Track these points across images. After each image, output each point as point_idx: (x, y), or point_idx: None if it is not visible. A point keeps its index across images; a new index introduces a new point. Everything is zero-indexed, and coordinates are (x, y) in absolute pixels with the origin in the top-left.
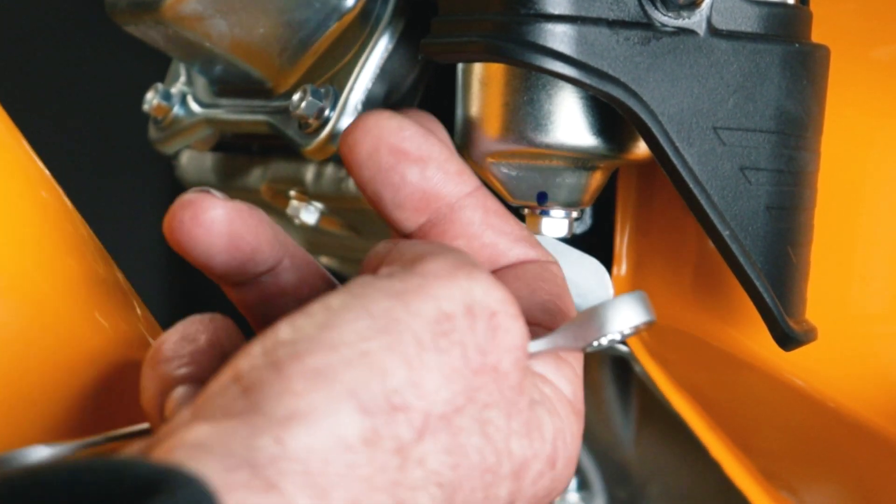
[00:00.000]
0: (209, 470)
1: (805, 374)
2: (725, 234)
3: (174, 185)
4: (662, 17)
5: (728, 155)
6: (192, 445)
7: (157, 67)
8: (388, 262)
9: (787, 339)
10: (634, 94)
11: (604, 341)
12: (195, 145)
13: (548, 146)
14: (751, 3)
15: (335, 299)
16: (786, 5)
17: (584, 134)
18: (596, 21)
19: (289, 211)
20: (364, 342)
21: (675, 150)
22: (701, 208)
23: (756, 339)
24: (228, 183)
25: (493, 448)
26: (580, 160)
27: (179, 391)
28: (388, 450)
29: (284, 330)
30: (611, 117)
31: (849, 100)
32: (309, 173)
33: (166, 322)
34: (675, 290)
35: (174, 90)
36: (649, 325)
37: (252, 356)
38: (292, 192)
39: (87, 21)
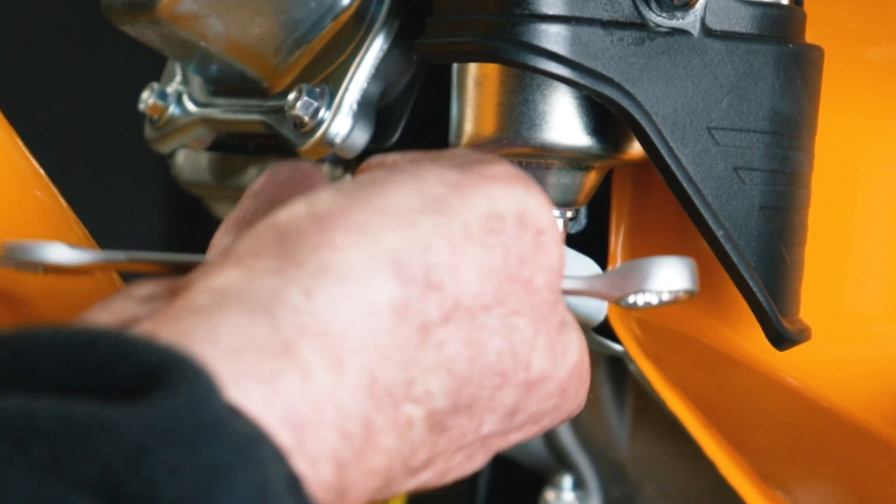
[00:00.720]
0: (232, 324)
1: (799, 374)
2: (719, 233)
3: (170, 185)
4: (656, 18)
5: (722, 155)
6: (218, 290)
7: (153, 67)
8: (439, 160)
9: (781, 338)
10: (628, 95)
11: (640, 299)
12: (191, 144)
13: (542, 146)
14: (745, 4)
15: (388, 173)
16: (780, 6)
17: (579, 134)
18: (590, 21)
19: None
20: (413, 215)
21: (670, 150)
22: (695, 208)
23: (750, 339)
24: (224, 182)
25: (513, 354)
26: (575, 160)
27: (225, 240)
28: (413, 325)
29: (330, 190)
30: (605, 117)
31: (843, 100)
32: None
33: None
34: None
35: (170, 89)
36: (690, 296)
37: (294, 208)
38: None
39: (83, 20)
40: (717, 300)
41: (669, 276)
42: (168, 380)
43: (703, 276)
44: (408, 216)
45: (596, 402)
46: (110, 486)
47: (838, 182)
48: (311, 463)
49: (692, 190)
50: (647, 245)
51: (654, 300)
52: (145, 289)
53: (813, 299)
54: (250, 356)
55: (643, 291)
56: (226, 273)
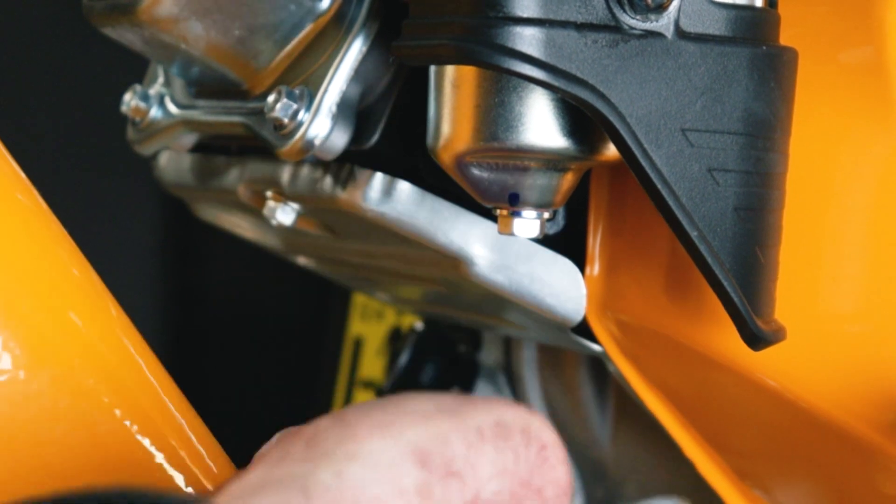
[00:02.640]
0: (267, 501)
1: (776, 374)
2: (694, 234)
3: (154, 187)
4: (630, 20)
5: (696, 156)
6: (251, 484)
7: (135, 69)
8: None
9: (756, 338)
10: (602, 97)
11: None
12: (174, 146)
13: (519, 148)
14: (718, 6)
15: (404, 395)
16: (754, 8)
17: (555, 135)
18: (564, 24)
19: (265, 211)
20: (430, 414)
21: (644, 151)
22: (669, 210)
23: (727, 339)
24: (206, 183)
25: None
26: (551, 161)
27: None
28: None
29: (352, 406)
30: (581, 119)
31: (817, 102)
32: (285, 174)
33: (149, 321)
34: (648, 290)
35: (152, 91)
36: None
37: (319, 421)
38: (269, 193)
39: (64, 23)
40: (694, 301)
41: None
42: None
43: (681, 276)
44: (425, 415)
45: (577, 402)
46: None
47: (812, 183)
48: None
49: (666, 191)
50: (625, 246)
51: None
52: None
53: (788, 300)
54: None
55: None
56: (256, 471)
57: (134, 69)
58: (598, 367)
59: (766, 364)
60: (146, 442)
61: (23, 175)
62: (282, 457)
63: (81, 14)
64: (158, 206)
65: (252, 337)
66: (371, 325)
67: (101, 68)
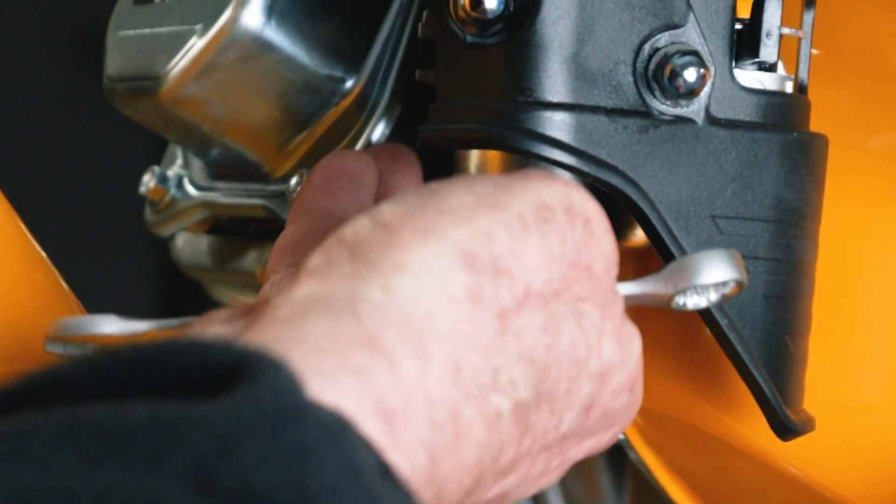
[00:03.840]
0: (319, 325)
1: (802, 464)
2: (723, 322)
3: (170, 267)
4: (661, 106)
5: (726, 243)
6: (298, 301)
7: (154, 150)
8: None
9: (785, 429)
10: (632, 182)
11: (690, 301)
12: (191, 227)
13: None
14: (749, 93)
15: (438, 183)
16: (784, 94)
17: None
18: (594, 109)
19: None
20: (471, 210)
21: (673, 238)
22: None
23: (753, 428)
24: (223, 266)
25: (585, 340)
26: None
27: (284, 263)
28: (491, 312)
29: (389, 203)
30: (608, 205)
31: (846, 188)
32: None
33: None
34: (672, 377)
35: (171, 173)
36: (739, 288)
37: (358, 223)
38: None
39: (84, 104)
40: (719, 388)
41: (717, 268)
42: (248, 374)
43: (706, 364)
44: (466, 212)
45: (594, 489)
46: (204, 478)
47: (841, 270)
48: (404, 453)
49: None
50: (650, 332)
51: (704, 301)
52: (224, 313)
53: (815, 388)
54: (339, 351)
55: (694, 287)
56: (303, 285)
57: (152, 150)
58: (616, 454)
59: (791, 453)
60: None
61: (44, 255)
62: (326, 271)
63: (92, 95)
64: (165, 286)
65: None
66: None
67: (119, 148)
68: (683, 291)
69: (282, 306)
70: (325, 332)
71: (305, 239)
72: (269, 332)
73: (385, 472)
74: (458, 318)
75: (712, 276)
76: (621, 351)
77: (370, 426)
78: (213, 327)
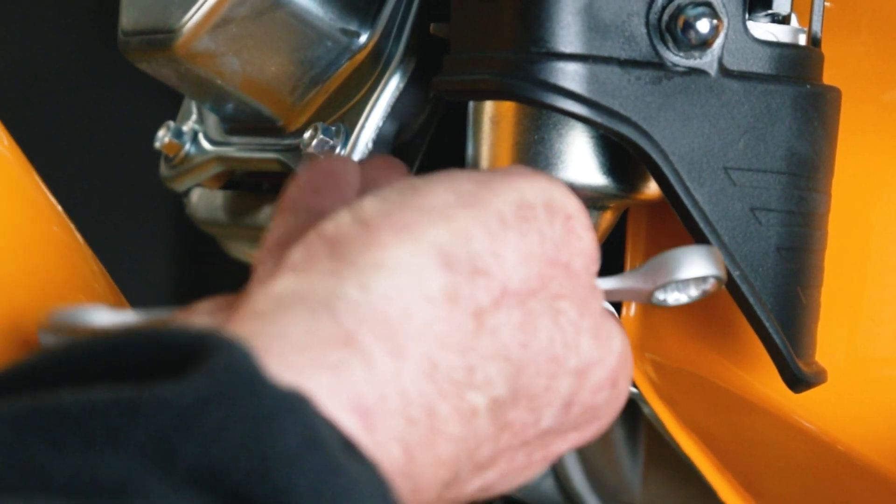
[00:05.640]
0: (295, 321)
1: (815, 417)
2: (735, 274)
3: (185, 222)
4: (674, 57)
5: (739, 195)
6: (277, 295)
7: (169, 105)
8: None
9: (797, 380)
10: (645, 134)
11: (670, 297)
12: (206, 183)
13: None
14: (762, 44)
15: (420, 179)
16: (797, 47)
17: (595, 173)
18: (607, 60)
19: None
20: (450, 209)
21: (686, 189)
22: None
23: (766, 381)
24: (238, 221)
25: (562, 338)
26: (591, 199)
27: (270, 260)
28: (467, 311)
29: (370, 198)
30: (621, 157)
31: (859, 141)
32: None
33: None
34: (685, 330)
35: (185, 128)
36: (719, 284)
37: (339, 218)
38: None
39: (100, 58)
40: (733, 342)
41: (696, 264)
42: (206, 354)
43: (719, 317)
44: (446, 211)
45: (608, 444)
46: (165, 451)
47: (854, 223)
48: (380, 448)
49: (708, 230)
50: None
51: (684, 297)
52: (207, 304)
53: (829, 341)
54: (315, 348)
55: (673, 283)
56: (282, 280)
57: (168, 105)
58: (629, 409)
59: (804, 407)
60: None
61: (59, 208)
62: (306, 266)
63: (116, 48)
64: (180, 241)
65: None
66: None
67: (134, 104)
68: (664, 287)
69: (261, 300)
70: (302, 328)
71: (290, 236)
72: (247, 326)
73: (348, 446)
74: (435, 317)
75: (692, 272)
76: (600, 347)
77: (345, 421)
78: (195, 319)
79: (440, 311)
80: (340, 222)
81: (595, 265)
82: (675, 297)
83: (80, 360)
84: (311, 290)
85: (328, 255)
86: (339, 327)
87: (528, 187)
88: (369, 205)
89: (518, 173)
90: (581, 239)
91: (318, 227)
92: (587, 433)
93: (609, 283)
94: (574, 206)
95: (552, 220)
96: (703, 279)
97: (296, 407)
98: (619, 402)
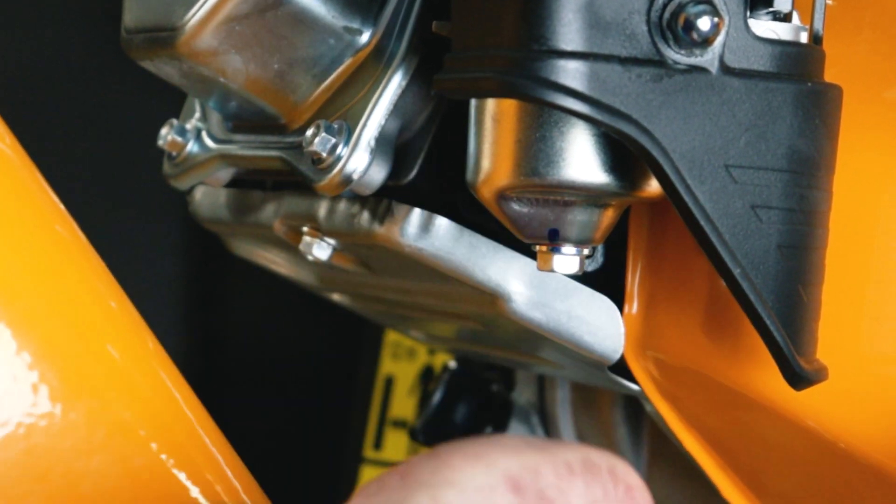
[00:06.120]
0: None
1: (816, 415)
2: (736, 272)
3: (189, 221)
4: (675, 55)
5: (740, 193)
6: None
7: (172, 103)
8: None
9: (798, 378)
10: (646, 132)
11: None
12: (209, 181)
13: (560, 183)
14: (763, 42)
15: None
16: (799, 45)
17: (597, 171)
18: (608, 58)
19: (301, 247)
20: (520, 448)
21: (687, 187)
22: (712, 246)
23: (767, 379)
24: (242, 219)
25: None
26: (592, 197)
27: None
28: None
29: (440, 445)
30: (623, 154)
31: (861, 139)
32: (322, 209)
33: (179, 356)
34: (687, 328)
35: (189, 126)
36: None
37: (412, 458)
38: (305, 228)
39: (103, 56)
40: (734, 340)
41: None
42: None
43: (721, 315)
44: (517, 448)
45: (611, 442)
46: None
47: (856, 221)
48: None
49: (709, 228)
50: (664, 283)
51: None
52: None
53: (831, 339)
54: None
55: None
56: (353, 501)
57: (171, 103)
58: (633, 406)
59: (806, 405)
60: (182, 476)
61: (62, 207)
62: (378, 489)
63: (119, 47)
64: (185, 240)
65: (280, 376)
66: (402, 365)
67: (137, 102)
68: None
69: None
70: None
71: None
72: None
73: None
74: None
75: None
76: None
77: None
78: None
79: None
80: (413, 459)
81: None
82: None
83: None
84: (383, 500)
85: (399, 480)
86: None
87: (594, 452)
88: (442, 446)
89: (585, 444)
90: None
91: (392, 468)
92: None
93: None
94: (637, 481)
95: (616, 483)
96: None
97: None
98: None
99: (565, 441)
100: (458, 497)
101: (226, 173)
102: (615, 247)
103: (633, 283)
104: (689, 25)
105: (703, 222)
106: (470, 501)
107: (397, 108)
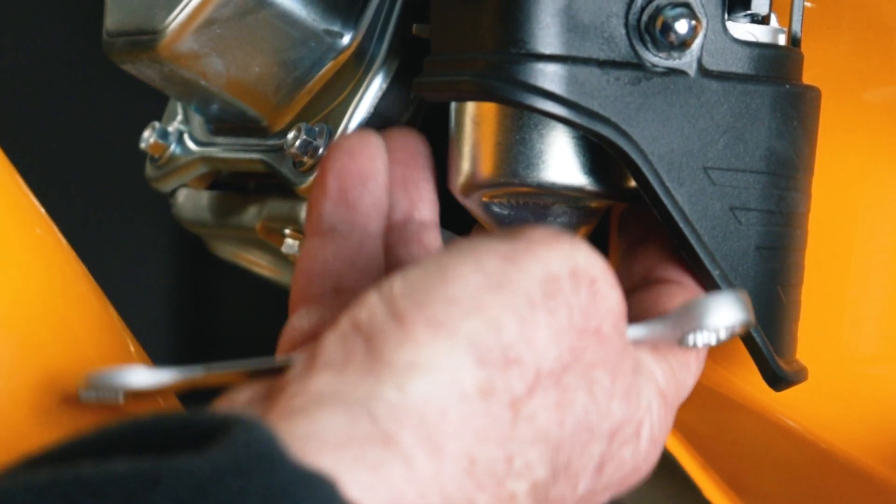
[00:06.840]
0: (334, 421)
1: (796, 415)
2: (715, 273)
3: (172, 224)
4: (653, 58)
5: (718, 195)
6: (316, 395)
7: (154, 106)
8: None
9: (778, 379)
10: (625, 134)
11: (700, 340)
12: (192, 183)
13: (540, 185)
14: (741, 45)
15: (447, 256)
16: (777, 47)
17: (576, 173)
18: (587, 61)
19: (284, 249)
20: (479, 295)
21: (666, 189)
22: (691, 248)
23: (748, 380)
24: (224, 221)
25: (596, 407)
26: (573, 199)
27: (300, 321)
28: (502, 402)
29: (399, 282)
30: (602, 157)
31: (840, 141)
32: (304, 211)
33: (168, 358)
34: None
35: (171, 128)
36: (745, 327)
37: (371, 306)
38: (287, 230)
39: (84, 60)
40: None
41: (724, 312)
42: (227, 430)
43: None
44: (475, 299)
45: None
46: None
47: (835, 223)
48: None
49: (688, 229)
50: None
51: (713, 339)
52: (242, 394)
53: (810, 340)
54: (354, 448)
55: (702, 330)
56: (320, 377)
57: (152, 106)
58: None
59: (786, 405)
60: None
61: (42, 210)
62: (343, 366)
63: (101, 50)
64: (168, 243)
65: None
66: None
67: (119, 105)
68: (692, 331)
69: (297, 396)
70: (340, 428)
71: (332, 267)
72: (284, 425)
73: None
74: (471, 413)
75: (720, 320)
76: (629, 406)
77: None
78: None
79: (476, 407)
80: (373, 312)
81: (623, 321)
82: (703, 341)
83: (105, 439)
84: (349, 391)
85: (364, 353)
86: (378, 428)
87: (553, 256)
88: (399, 293)
89: (541, 241)
90: (607, 299)
91: (351, 314)
92: (623, 486)
93: (638, 331)
94: (598, 267)
95: (578, 288)
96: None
97: (317, 487)
98: (644, 458)
99: (524, 257)
100: (424, 381)
101: (208, 176)
102: (596, 247)
103: None
104: (667, 28)
105: (681, 224)
106: (437, 385)
107: (378, 111)
